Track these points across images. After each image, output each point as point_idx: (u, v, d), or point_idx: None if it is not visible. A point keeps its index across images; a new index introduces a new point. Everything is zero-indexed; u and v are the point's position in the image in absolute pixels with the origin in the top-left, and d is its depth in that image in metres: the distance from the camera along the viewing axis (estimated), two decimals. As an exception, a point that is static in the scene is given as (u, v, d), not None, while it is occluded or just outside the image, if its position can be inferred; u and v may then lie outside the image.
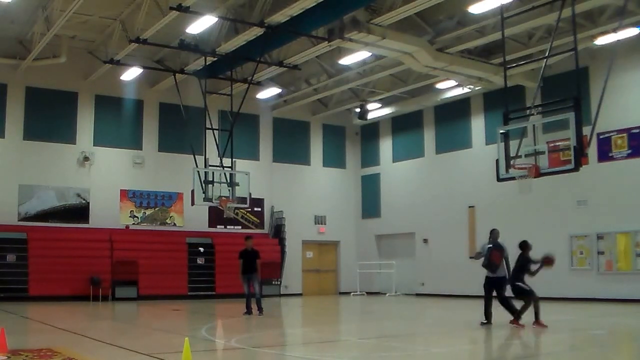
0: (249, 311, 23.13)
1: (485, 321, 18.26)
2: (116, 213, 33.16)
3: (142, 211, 33.92)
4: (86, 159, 32.30)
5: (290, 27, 25.15)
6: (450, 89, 33.48)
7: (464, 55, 28.86)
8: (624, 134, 28.04)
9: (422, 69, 28.98)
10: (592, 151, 26.28)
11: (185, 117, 29.92)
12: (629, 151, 27.89)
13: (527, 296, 17.98)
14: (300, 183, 38.79)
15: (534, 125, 20.37)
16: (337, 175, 40.30)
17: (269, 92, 35.02)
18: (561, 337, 16.57)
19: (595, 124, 18.65)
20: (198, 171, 27.11)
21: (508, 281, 18.59)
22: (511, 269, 18.41)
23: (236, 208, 29.91)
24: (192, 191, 27.03)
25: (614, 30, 23.71)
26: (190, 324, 21.45)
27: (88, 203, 32.50)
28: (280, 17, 24.44)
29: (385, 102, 36.79)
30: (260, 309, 23.33)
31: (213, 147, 28.84)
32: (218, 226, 35.44)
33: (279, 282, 35.54)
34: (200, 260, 30.20)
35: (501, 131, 18.96)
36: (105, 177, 32.90)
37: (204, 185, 26.96)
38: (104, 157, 32.99)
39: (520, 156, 19.15)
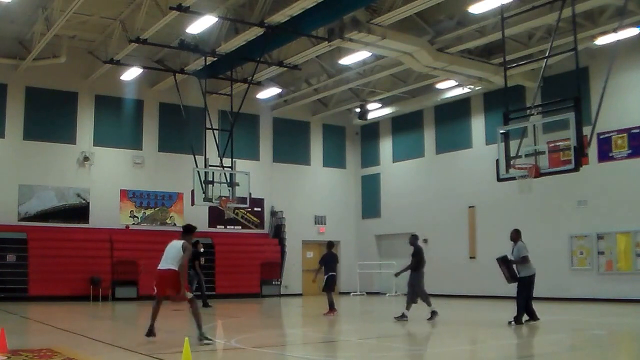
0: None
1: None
2: (116, 213, 33.16)
3: (142, 211, 33.93)
4: (86, 159, 32.30)
5: (290, 27, 25.17)
6: (450, 89, 33.49)
7: (464, 55, 28.87)
8: (624, 134, 28.03)
9: (422, 69, 29.00)
10: (592, 151, 26.29)
11: (185, 117, 29.92)
12: (629, 151, 27.87)
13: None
14: (301, 183, 38.81)
15: (534, 125, 20.38)
16: (337, 176, 40.31)
17: (269, 92, 35.03)
18: (561, 337, 16.58)
19: (595, 124, 18.67)
20: (198, 171, 27.13)
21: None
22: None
23: (236, 208, 29.95)
24: (192, 191, 27.05)
25: (614, 30, 23.68)
26: (190, 324, 21.41)
27: (88, 203, 32.51)
28: (280, 17, 24.46)
29: (385, 102, 36.80)
30: (207, 304, 26.79)
31: (213, 147, 28.84)
32: (218, 226, 35.43)
33: (279, 282, 35.58)
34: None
35: (501, 131, 18.99)
36: (105, 177, 32.92)
37: (204, 185, 26.98)
38: (104, 157, 33.00)
39: (521, 156, 19.17)
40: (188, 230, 15.21)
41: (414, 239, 21.65)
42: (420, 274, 20.98)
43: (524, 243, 19.03)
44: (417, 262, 20.97)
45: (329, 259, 23.48)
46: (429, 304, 20.33)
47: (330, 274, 23.19)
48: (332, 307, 22.66)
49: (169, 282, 14.30)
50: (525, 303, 18.64)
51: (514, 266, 18.73)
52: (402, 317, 20.06)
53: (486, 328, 17.80)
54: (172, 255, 14.39)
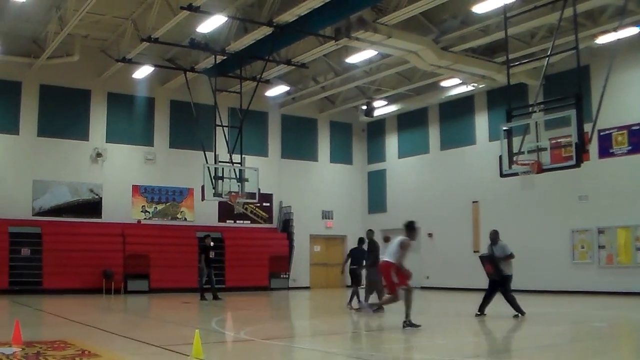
0: (204, 298, 26.70)
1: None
2: (128, 208, 33.24)
3: (154, 206, 33.98)
4: (99, 155, 32.36)
5: (298, 26, 25.17)
6: (454, 86, 33.47)
7: (468, 53, 28.84)
8: (624, 131, 28.02)
9: (427, 67, 28.98)
10: (593, 147, 26.18)
11: (196, 114, 29.94)
12: (629, 147, 27.86)
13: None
14: (308, 179, 38.83)
15: (536, 122, 20.34)
16: (344, 171, 40.33)
17: (277, 90, 35.05)
18: (562, 329, 16.58)
19: (596, 121, 18.67)
20: (208, 167, 27.13)
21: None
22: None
23: (245, 203, 30.04)
24: (203, 187, 27.04)
25: (615, 30, 23.65)
26: (201, 316, 21.50)
27: (101, 198, 32.57)
28: (288, 16, 24.46)
29: (391, 100, 36.79)
30: (217, 297, 26.93)
31: (223, 143, 28.87)
32: (228, 221, 35.51)
33: (287, 276, 35.62)
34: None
35: (504, 128, 18.98)
36: (118, 173, 32.98)
37: (214, 180, 26.97)
38: (116, 154, 33.06)
39: (523, 152, 19.14)
40: (409, 227, 16.05)
41: (370, 234, 21.98)
42: (370, 269, 21.34)
43: (504, 242, 19.02)
44: (375, 257, 21.16)
45: (353, 254, 23.50)
46: (380, 298, 20.50)
47: (351, 267, 23.29)
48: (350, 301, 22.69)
49: (382, 272, 15.97)
50: (490, 297, 18.74)
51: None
52: (379, 309, 20.31)
53: (489, 320, 17.77)
54: (391, 249, 15.78)
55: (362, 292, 22.55)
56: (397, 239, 15.88)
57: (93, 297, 28.11)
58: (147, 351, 12.02)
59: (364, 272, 22.40)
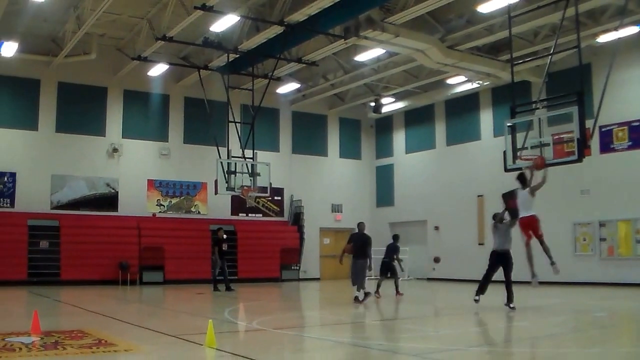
0: (217, 289, 26.77)
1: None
2: (143, 202, 33.33)
3: (168, 200, 34.04)
4: (115, 150, 32.45)
5: (308, 25, 25.21)
6: (460, 84, 33.45)
7: (473, 52, 28.82)
8: (625, 127, 27.99)
9: (434, 65, 28.97)
10: (595, 143, 26.13)
11: (209, 111, 29.95)
12: (630, 143, 27.84)
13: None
14: (318, 173, 38.84)
15: (539, 118, 20.29)
16: (353, 166, 40.32)
17: (288, 87, 35.09)
18: (564, 319, 16.59)
19: (597, 117, 18.59)
20: (221, 162, 27.16)
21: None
22: None
23: (257, 197, 30.09)
24: (216, 181, 27.08)
25: (615, 29, 23.64)
26: (214, 306, 21.52)
27: (117, 192, 32.66)
28: (299, 16, 24.50)
29: (398, 97, 36.79)
30: (229, 288, 26.90)
31: (235, 139, 28.98)
32: (240, 214, 35.57)
33: (297, 267, 35.67)
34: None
35: (508, 124, 18.93)
36: (133, 167, 33.07)
37: (226, 175, 27.01)
38: (132, 149, 33.15)
39: (527, 148, 19.10)
40: (523, 180, 17.67)
41: (361, 226, 21.84)
42: (366, 261, 20.98)
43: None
44: (364, 250, 20.94)
45: (387, 248, 23.83)
46: (359, 289, 20.50)
47: (383, 259, 23.63)
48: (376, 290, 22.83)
49: (532, 224, 17.16)
50: (487, 280, 18.74)
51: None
52: (366, 296, 20.67)
53: (493, 311, 17.78)
54: (526, 204, 17.34)
55: (400, 282, 23.94)
56: (523, 192, 17.45)
57: (109, 288, 28.20)
58: (161, 341, 12.06)
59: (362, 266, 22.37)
